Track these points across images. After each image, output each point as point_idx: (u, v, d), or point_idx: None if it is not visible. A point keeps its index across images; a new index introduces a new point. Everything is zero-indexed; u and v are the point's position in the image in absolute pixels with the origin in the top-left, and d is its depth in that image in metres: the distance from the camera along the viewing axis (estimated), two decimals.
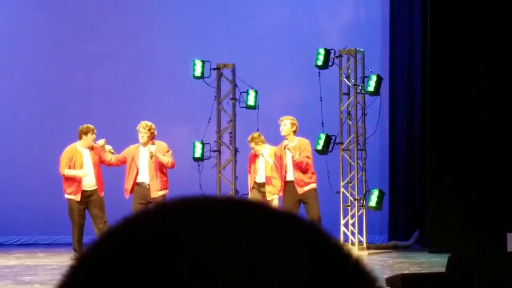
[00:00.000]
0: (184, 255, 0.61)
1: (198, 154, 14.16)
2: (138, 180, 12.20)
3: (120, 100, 16.11)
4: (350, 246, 13.58)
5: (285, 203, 12.28)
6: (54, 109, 16.12)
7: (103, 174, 12.33)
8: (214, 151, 14.24)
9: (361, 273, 0.64)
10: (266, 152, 12.74)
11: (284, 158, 12.44)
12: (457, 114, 13.45)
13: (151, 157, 12.11)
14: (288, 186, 12.41)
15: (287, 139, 12.44)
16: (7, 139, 16.05)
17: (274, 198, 12.39)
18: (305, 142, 12.61)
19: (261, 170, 12.78)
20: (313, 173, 12.57)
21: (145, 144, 12.23)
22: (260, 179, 12.84)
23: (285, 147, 12.34)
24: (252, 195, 12.74)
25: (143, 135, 12.19)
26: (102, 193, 12.18)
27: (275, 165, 12.54)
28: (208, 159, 14.22)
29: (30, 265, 11.73)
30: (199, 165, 14.09)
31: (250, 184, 13.02)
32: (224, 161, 14.17)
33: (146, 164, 12.15)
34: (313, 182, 12.48)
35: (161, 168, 12.18)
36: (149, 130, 12.19)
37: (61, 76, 16.19)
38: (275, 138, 14.35)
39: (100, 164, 12.27)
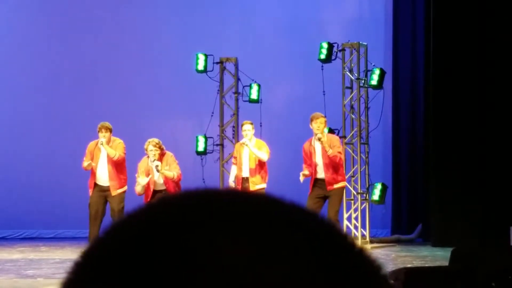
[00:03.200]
0: (186, 251, 0.61)
1: (201, 148, 14.16)
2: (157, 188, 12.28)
3: (123, 94, 16.11)
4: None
5: (311, 199, 11.93)
6: (57, 105, 16.12)
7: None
8: (217, 145, 14.24)
9: (365, 263, 0.64)
10: (252, 144, 12.41)
11: (314, 155, 11.99)
12: (460, 108, 13.44)
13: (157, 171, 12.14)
14: (317, 183, 11.96)
15: (321, 134, 11.91)
16: (11, 134, 16.06)
17: (305, 172, 11.93)
18: (335, 137, 12.37)
19: (246, 164, 12.35)
20: (343, 170, 12.28)
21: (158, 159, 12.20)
22: (245, 173, 12.36)
23: (319, 140, 11.82)
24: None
25: (154, 153, 12.12)
26: (118, 191, 12.18)
27: (305, 162, 12.11)
28: (211, 153, 14.22)
29: (34, 259, 11.75)
30: (202, 159, 14.10)
31: (232, 177, 12.53)
32: (227, 155, 14.17)
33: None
34: (342, 180, 12.13)
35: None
36: (160, 147, 12.15)
37: (63, 71, 16.18)
38: (278, 132, 14.39)
39: (122, 164, 12.31)
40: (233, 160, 12.78)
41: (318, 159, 11.99)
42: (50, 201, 15.80)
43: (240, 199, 0.65)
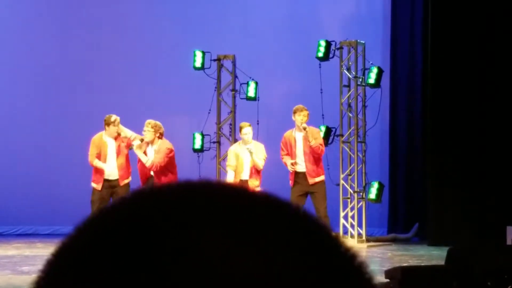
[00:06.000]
0: (165, 242, 0.60)
1: (198, 145, 14.15)
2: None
3: (120, 91, 16.08)
4: (349, 238, 13.58)
5: (293, 194, 12.00)
6: (54, 102, 16.08)
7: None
8: (214, 142, 14.22)
9: (347, 259, 0.63)
10: (251, 146, 12.34)
11: (294, 146, 12.16)
12: (457, 107, 13.43)
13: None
14: (298, 177, 12.08)
15: (304, 125, 12.07)
16: (7, 129, 16.03)
17: (291, 162, 12.04)
18: (316, 130, 12.46)
19: (247, 167, 12.26)
20: (321, 163, 12.38)
21: (151, 142, 12.18)
22: (245, 176, 12.26)
23: (305, 129, 11.97)
24: None
25: (145, 134, 12.14)
26: (126, 181, 12.13)
27: (283, 151, 12.25)
28: (208, 150, 14.20)
29: (29, 255, 11.73)
30: (198, 156, 14.08)
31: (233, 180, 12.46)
32: (224, 152, 14.15)
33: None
34: (323, 174, 12.28)
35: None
36: (154, 129, 12.13)
37: (60, 68, 16.15)
38: (275, 130, 14.35)
39: (128, 154, 12.28)
40: (228, 164, 12.60)
41: (299, 150, 12.09)
42: (46, 197, 15.77)
43: (226, 192, 0.64)
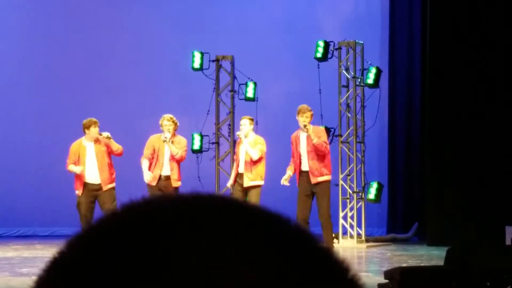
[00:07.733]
0: (155, 252, 0.60)
1: (196, 146, 14.15)
2: (163, 173, 12.19)
3: (119, 92, 16.08)
4: (348, 238, 13.59)
5: (300, 195, 11.91)
6: (53, 103, 16.09)
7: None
8: (212, 143, 14.22)
9: (341, 272, 0.63)
10: (248, 139, 12.25)
11: (298, 145, 11.96)
12: (456, 106, 13.43)
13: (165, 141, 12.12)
14: (302, 176, 11.87)
15: (305, 123, 11.84)
16: (6, 132, 16.02)
17: (288, 172, 11.94)
18: (320, 128, 12.30)
19: (242, 159, 12.14)
20: (328, 163, 12.24)
21: (172, 137, 12.15)
22: (241, 169, 12.16)
23: (305, 127, 11.75)
24: (234, 193, 12.26)
25: (169, 128, 12.11)
26: (109, 186, 12.05)
27: (292, 156, 12.13)
28: (207, 151, 14.20)
29: (28, 257, 11.73)
30: (197, 157, 14.08)
31: (233, 175, 12.41)
32: (222, 153, 14.16)
33: (168, 156, 12.18)
34: (328, 174, 12.00)
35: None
36: (174, 122, 12.18)
37: (60, 69, 16.15)
38: (274, 130, 14.38)
39: (109, 157, 12.19)
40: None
41: (303, 149, 11.95)
42: (45, 199, 15.76)
43: (216, 204, 0.64)
